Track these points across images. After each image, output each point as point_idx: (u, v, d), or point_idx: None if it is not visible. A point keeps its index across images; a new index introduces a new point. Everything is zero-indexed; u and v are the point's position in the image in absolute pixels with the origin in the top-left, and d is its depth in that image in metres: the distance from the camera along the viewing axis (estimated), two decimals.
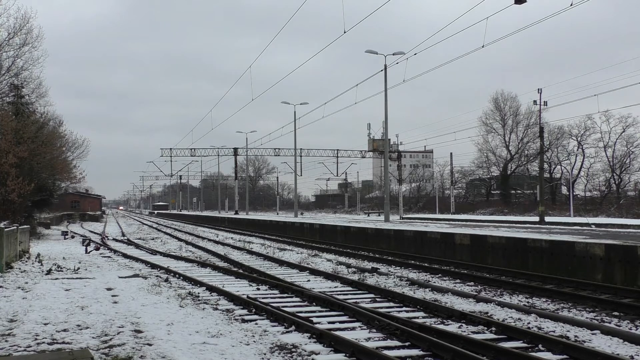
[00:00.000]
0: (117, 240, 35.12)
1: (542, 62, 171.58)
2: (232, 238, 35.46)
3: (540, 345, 8.39)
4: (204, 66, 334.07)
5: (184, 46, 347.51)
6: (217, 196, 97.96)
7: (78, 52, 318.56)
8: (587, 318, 10.43)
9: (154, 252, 25.53)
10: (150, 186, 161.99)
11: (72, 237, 38.72)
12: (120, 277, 16.26)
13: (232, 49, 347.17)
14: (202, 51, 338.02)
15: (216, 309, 11.48)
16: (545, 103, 54.06)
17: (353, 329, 9.63)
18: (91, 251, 25.69)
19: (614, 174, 67.23)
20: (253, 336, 8.97)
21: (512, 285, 14.25)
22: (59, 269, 18.21)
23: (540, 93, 49.86)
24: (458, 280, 15.51)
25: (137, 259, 21.92)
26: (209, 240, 33.99)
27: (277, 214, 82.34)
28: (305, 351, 8.21)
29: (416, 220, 42.46)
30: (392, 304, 11.83)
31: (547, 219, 39.72)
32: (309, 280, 15.46)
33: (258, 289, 13.99)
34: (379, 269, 17.53)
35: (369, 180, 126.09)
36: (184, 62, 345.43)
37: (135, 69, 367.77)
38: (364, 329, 9.56)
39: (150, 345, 8.20)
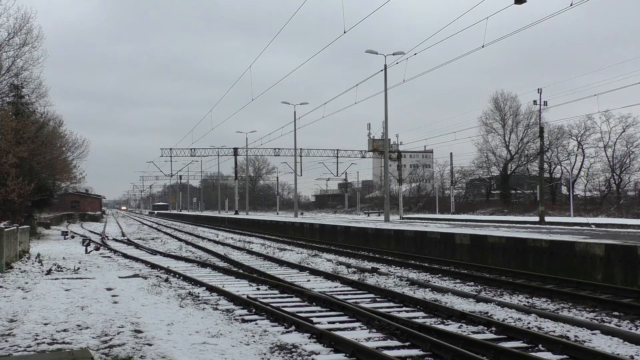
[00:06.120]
0: (117, 241, 35.12)
1: (542, 62, 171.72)
2: (232, 238, 35.46)
3: (540, 345, 8.39)
4: (192, 68, 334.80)
5: (169, 48, 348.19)
6: (217, 196, 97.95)
7: (65, 54, 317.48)
8: (587, 318, 10.43)
9: (154, 252, 25.53)
10: (150, 186, 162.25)
11: (72, 237, 38.71)
12: (120, 277, 16.26)
13: (220, 51, 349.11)
14: (188, 53, 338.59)
15: (216, 309, 11.49)
16: (545, 103, 54.17)
17: (353, 329, 9.63)
18: (91, 251, 25.69)
19: (614, 174, 67.22)
20: (253, 336, 8.97)
21: (512, 285, 14.25)
22: (59, 269, 18.21)
23: (540, 93, 49.91)
24: (458, 280, 15.51)
25: (137, 259, 21.92)
26: (209, 240, 33.98)
27: (277, 214, 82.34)
28: (305, 351, 8.21)
29: (416, 220, 42.47)
30: (392, 304, 11.83)
31: (547, 219, 39.71)
32: (309, 280, 15.46)
33: (258, 289, 13.99)
34: (379, 269, 17.53)
35: (369, 180, 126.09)
36: (172, 64, 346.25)
37: (123, 72, 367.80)
38: (364, 329, 9.56)
39: (150, 345, 8.21)
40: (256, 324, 10.00)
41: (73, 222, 76.59)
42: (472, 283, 14.98)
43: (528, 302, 12.12)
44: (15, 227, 20.74)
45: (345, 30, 26.29)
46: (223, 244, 30.03)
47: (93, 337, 8.69)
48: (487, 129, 77.91)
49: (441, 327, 9.45)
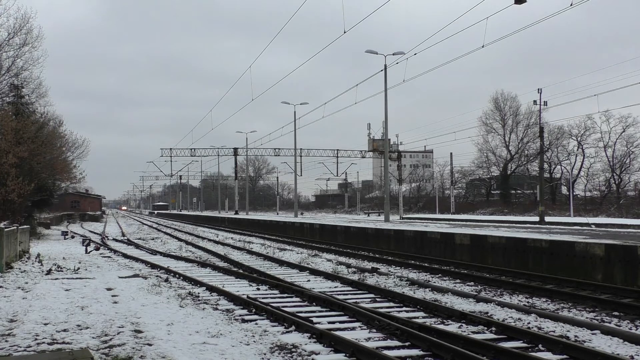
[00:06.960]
0: (117, 241, 35.11)
1: (542, 62, 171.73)
2: (232, 238, 35.45)
3: (540, 345, 8.39)
4: (192, 68, 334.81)
5: (169, 48, 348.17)
6: (217, 196, 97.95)
7: (65, 54, 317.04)
8: (587, 318, 10.43)
9: (154, 252, 25.53)
10: (150, 186, 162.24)
11: (72, 237, 38.71)
12: (120, 277, 16.26)
13: (220, 51, 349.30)
14: (188, 53, 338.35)
15: (216, 309, 11.49)
16: (545, 103, 54.17)
17: (353, 329, 9.63)
18: (91, 251, 25.69)
19: (614, 174, 67.22)
20: (253, 336, 8.97)
21: (512, 285, 14.25)
22: (59, 269, 18.21)
23: (540, 93, 49.91)
24: (458, 280, 15.51)
25: (137, 259, 21.91)
26: (209, 240, 33.98)
27: (277, 214, 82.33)
28: (305, 351, 8.21)
29: (416, 220, 42.47)
30: (392, 304, 11.83)
31: (547, 219, 39.71)
32: (309, 280, 15.46)
33: (258, 289, 13.99)
34: (379, 269, 17.53)
35: (369, 180, 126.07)
36: (172, 64, 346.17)
37: (123, 71, 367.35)
38: (364, 329, 9.56)
39: (150, 345, 8.21)
40: (256, 324, 10.00)
41: (73, 222, 76.59)
42: (472, 283, 14.98)
43: (528, 302, 12.12)
44: (15, 227, 20.74)
45: (345, 30, 26.32)
46: (223, 244, 30.03)
47: (93, 337, 8.69)
48: (487, 129, 78.01)
49: (441, 327, 9.45)
